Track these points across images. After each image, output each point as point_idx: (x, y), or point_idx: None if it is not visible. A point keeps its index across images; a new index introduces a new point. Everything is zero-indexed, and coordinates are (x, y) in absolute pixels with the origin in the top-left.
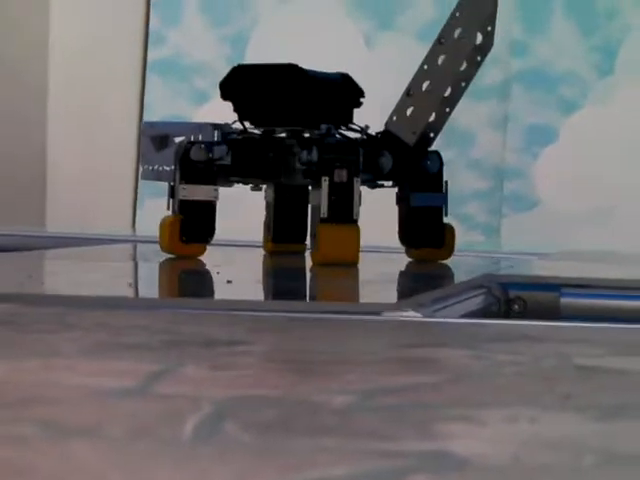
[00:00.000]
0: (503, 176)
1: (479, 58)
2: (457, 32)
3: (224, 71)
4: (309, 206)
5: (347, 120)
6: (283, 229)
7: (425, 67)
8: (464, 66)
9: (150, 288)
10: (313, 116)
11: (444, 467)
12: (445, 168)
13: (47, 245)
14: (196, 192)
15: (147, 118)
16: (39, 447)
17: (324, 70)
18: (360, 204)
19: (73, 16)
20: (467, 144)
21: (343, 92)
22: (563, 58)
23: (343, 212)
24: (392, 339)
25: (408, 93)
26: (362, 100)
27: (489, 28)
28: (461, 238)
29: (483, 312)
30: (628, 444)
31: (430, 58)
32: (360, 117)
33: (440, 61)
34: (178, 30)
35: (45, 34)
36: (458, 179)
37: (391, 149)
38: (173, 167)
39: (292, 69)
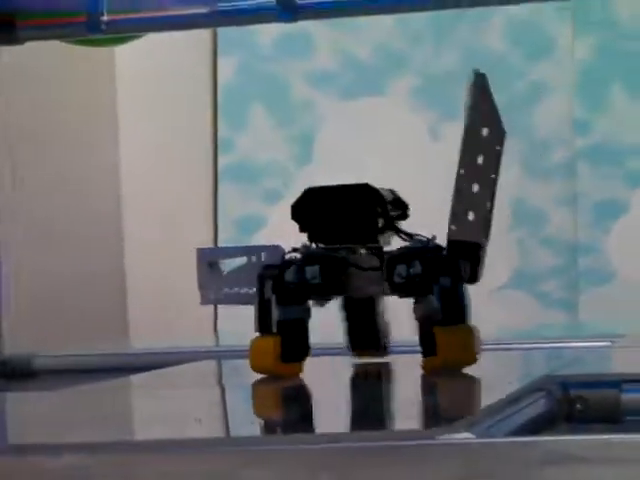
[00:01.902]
0: (577, 252)
1: (498, 148)
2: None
3: (293, 170)
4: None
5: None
6: (359, 339)
7: (462, 171)
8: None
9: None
10: (380, 232)
11: None
12: (514, 247)
13: (130, 363)
14: (291, 312)
15: (222, 221)
16: None
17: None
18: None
19: (141, 126)
20: (539, 223)
21: (396, 206)
22: (627, 132)
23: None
24: (435, 475)
25: (460, 199)
26: (409, 213)
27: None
28: (539, 316)
29: (545, 417)
30: None
31: (466, 157)
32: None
33: (479, 160)
34: (246, 134)
35: (116, 149)
36: (533, 257)
37: (466, 256)
38: (257, 289)
39: (364, 188)
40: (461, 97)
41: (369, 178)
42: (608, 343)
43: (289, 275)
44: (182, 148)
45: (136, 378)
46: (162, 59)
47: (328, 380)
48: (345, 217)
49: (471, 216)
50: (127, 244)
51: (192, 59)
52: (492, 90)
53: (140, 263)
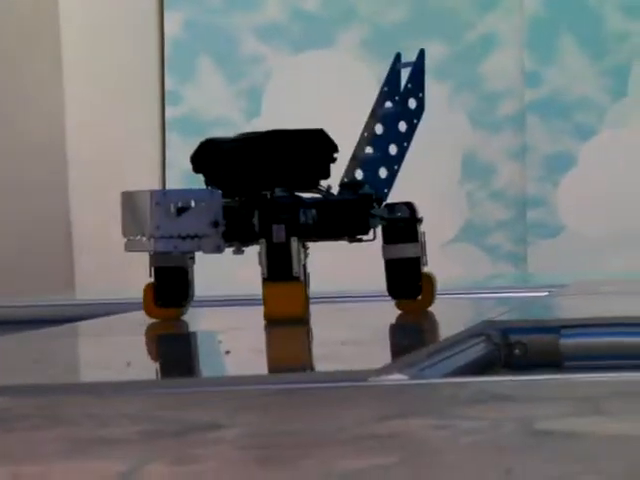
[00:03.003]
0: (525, 205)
1: (415, 121)
2: (387, 104)
3: (242, 124)
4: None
5: (323, 176)
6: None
7: (365, 134)
8: (404, 128)
9: (146, 366)
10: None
11: None
12: (464, 202)
13: (76, 313)
14: (168, 260)
15: (170, 174)
16: None
17: (304, 127)
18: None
19: (88, 80)
20: (488, 176)
21: (315, 149)
22: (577, 85)
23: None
24: (366, 411)
25: (354, 157)
26: (336, 155)
27: (420, 95)
28: (489, 269)
29: (483, 361)
30: None
31: (368, 126)
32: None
33: (378, 130)
34: (194, 88)
35: (61, 100)
36: (481, 211)
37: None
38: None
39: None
40: (411, 48)
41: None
42: (548, 292)
43: None
44: (128, 100)
45: (67, 327)
46: (108, 12)
47: (252, 327)
48: (245, 165)
49: (383, 173)
50: (72, 193)
51: (138, 12)
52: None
53: (86, 212)
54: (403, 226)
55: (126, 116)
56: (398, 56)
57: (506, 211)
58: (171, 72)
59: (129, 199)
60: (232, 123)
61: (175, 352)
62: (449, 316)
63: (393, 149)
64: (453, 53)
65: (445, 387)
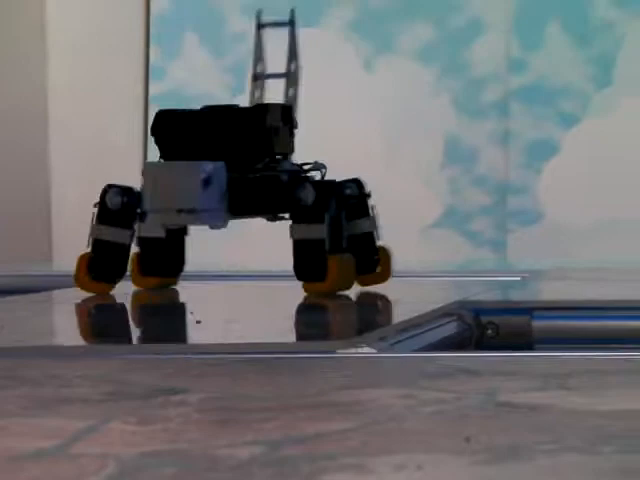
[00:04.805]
0: (507, 191)
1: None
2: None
3: (227, 101)
4: None
5: (266, 153)
6: None
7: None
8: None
9: (119, 332)
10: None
11: None
12: (446, 187)
13: (52, 284)
14: (111, 233)
15: (152, 148)
16: None
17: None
18: None
19: (71, 52)
20: (471, 161)
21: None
22: (562, 72)
23: None
24: (332, 380)
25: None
26: (295, 131)
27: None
28: (469, 254)
29: (454, 340)
30: None
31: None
32: (366, 138)
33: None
34: (179, 63)
35: (44, 73)
36: (463, 196)
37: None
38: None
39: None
40: (397, 31)
41: (301, 110)
42: (523, 277)
43: (110, 197)
44: (112, 74)
45: (39, 295)
46: None
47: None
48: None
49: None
50: (53, 164)
51: None
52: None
53: (66, 188)
54: (355, 202)
55: (110, 89)
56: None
57: (488, 197)
58: (156, 47)
59: (157, 170)
60: (217, 99)
61: (145, 320)
62: (422, 296)
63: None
64: (439, 37)
65: (412, 361)
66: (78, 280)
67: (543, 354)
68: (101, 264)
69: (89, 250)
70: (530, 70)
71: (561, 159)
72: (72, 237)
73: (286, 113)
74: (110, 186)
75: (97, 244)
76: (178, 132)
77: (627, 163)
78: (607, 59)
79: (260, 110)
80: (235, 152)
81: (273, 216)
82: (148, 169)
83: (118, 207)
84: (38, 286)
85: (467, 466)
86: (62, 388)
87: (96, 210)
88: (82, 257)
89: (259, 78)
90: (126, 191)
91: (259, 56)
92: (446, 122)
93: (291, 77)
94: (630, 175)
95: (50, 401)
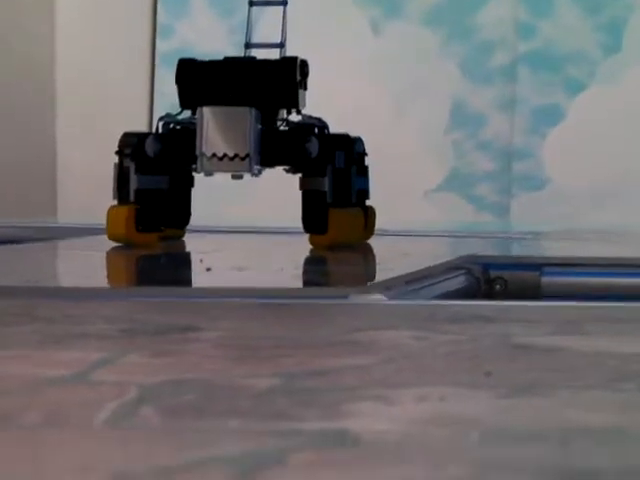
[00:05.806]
0: (512, 157)
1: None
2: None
3: None
4: None
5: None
6: None
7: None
8: None
9: (130, 278)
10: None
11: (331, 443)
12: (451, 151)
13: (58, 235)
14: (150, 182)
15: (158, 107)
16: None
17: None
18: None
19: (79, 10)
20: (476, 126)
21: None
22: (569, 38)
23: None
24: (346, 323)
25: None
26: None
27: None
28: (471, 218)
29: (462, 292)
30: (521, 421)
31: None
32: (373, 101)
33: None
34: (186, 22)
35: (51, 30)
36: (467, 160)
37: None
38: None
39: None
40: None
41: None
42: (531, 235)
43: (149, 145)
44: (120, 32)
45: (49, 244)
46: None
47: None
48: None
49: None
50: (59, 119)
51: None
52: None
53: (73, 145)
54: (357, 159)
55: (117, 47)
56: None
57: (492, 162)
58: (164, 6)
59: (213, 115)
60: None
61: (157, 266)
62: (430, 250)
63: None
64: (447, 1)
65: (424, 307)
66: (123, 234)
67: (558, 303)
68: (148, 214)
69: (129, 202)
70: (538, 36)
71: (567, 125)
72: (78, 194)
73: (304, 68)
74: (128, 135)
75: (140, 194)
76: (204, 80)
77: (633, 131)
78: (616, 26)
79: (290, 63)
80: (262, 103)
81: (295, 168)
82: (204, 114)
83: (157, 154)
84: (43, 237)
85: (489, 399)
86: (76, 325)
87: (127, 161)
88: (118, 211)
89: (250, 47)
90: (161, 137)
91: (249, 30)
92: (453, 86)
93: (284, 48)
94: (635, 142)
95: (65, 336)
